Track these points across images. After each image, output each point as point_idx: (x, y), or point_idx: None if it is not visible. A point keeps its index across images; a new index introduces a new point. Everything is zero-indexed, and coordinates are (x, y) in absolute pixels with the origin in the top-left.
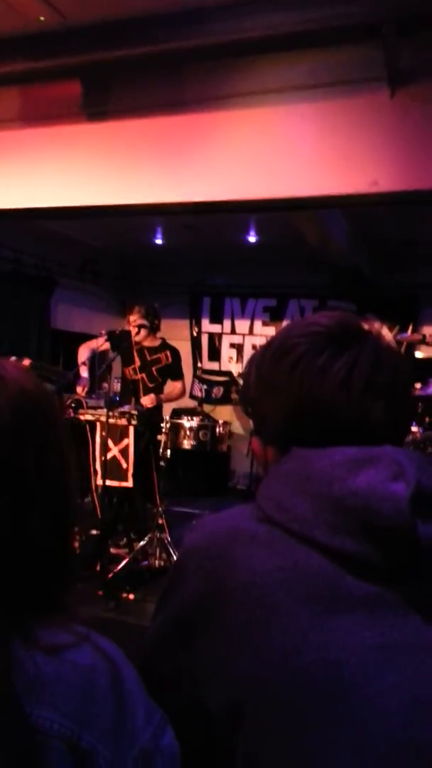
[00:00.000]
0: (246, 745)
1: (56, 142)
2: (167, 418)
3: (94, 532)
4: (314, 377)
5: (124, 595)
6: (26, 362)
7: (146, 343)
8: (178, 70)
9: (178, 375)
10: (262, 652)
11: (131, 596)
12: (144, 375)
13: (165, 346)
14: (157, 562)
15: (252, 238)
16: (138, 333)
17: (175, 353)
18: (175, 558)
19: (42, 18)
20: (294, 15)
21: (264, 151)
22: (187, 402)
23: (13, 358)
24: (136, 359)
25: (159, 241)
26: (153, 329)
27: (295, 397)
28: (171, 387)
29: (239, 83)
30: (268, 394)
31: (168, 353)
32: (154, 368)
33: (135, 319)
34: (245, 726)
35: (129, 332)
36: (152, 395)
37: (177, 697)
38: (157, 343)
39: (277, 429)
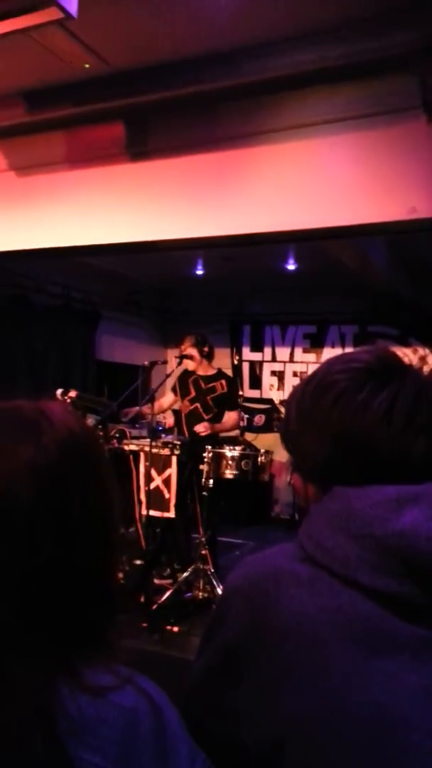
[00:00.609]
0: None
1: (102, 182)
2: (209, 447)
3: (138, 562)
4: (355, 413)
5: (168, 627)
6: (73, 393)
7: (200, 372)
8: (214, 108)
9: (234, 405)
10: (306, 693)
11: (175, 629)
12: (198, 404)
13: (221, 375)
14: (200, 594)
15: (291, 266)
16: (180, 363)
17: (231, 382)
18: (218, 590)
19: (87, 65)
20: (325, 50)
21: (302, 183)
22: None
23: (60, 390)
24: (191, 389)
25: (199, 272)
26: (207, 357)
27: (335, 433)
28: (227, 417)
29: (274, 119)
30: (308, 430)
31: (224, 382)
32: (209, 397)
33: (185, 347)
34: (286, 765)
35: (155, 362)
36: (205, 423)
37: (217, 734)
38: (212, 371)
39: (318, 466)
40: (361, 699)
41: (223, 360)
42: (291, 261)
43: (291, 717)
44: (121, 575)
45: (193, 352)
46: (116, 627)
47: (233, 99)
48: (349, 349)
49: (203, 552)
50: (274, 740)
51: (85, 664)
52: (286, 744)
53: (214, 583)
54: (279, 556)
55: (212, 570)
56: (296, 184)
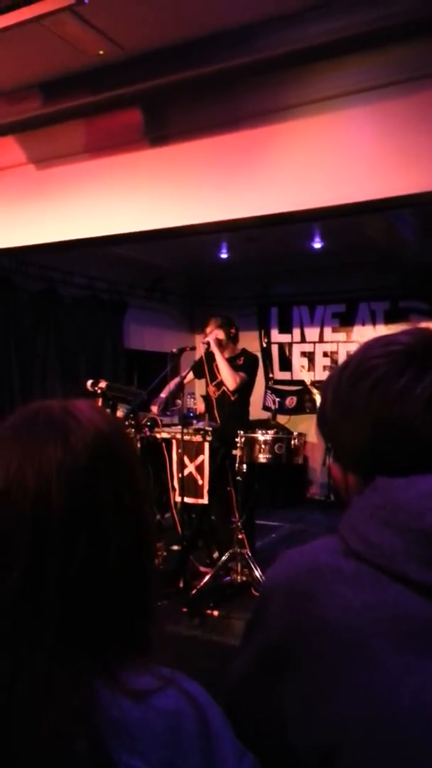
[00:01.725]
0: None
1: (122, 170)
2: (241, 432)
3: (175, 547)
4: (394, 401)
5: (208, 611)
6: (102, 383)
7: (226, 355)
8: (232, 87)
9: (241, 369)
10: (355, 694)
11: (215, 613)
12: (225, 388)
13: (241, 353)
14: (239, 577)
15: (317, 245)
16: (207, 350)
17: (249, 357)
18: (256, 572)
19: (101, 52)
20: (342, 20)
21: (325, 159)
22: (260, 414)
23: (90, 381)
24: (217, 374)
25: (224, 255)
26: (233, 339)
27: (375, 421)
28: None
29: (294, 94)
30: (346, 418)
31: (242, 358)
32: None
33: (211, 330)
34: None
35: (183, 349)
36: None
37: (263, 736)
38: (236, 352)
39: (357, 455)
40: (413, 699)
41: (251, 343)
42: (317, 239)
43: (342, 721)
44: (159, 561)
45: (220, 334)
46: (156, 626)
47: (250, 76)
48: (380, 327)
49: (240, 536)
50: (325, 744)
51: (126, 666)
52: (338, 749)
53: (252, 566)
54: (321, 550)
55: (249, 554)
56: (320, 160)
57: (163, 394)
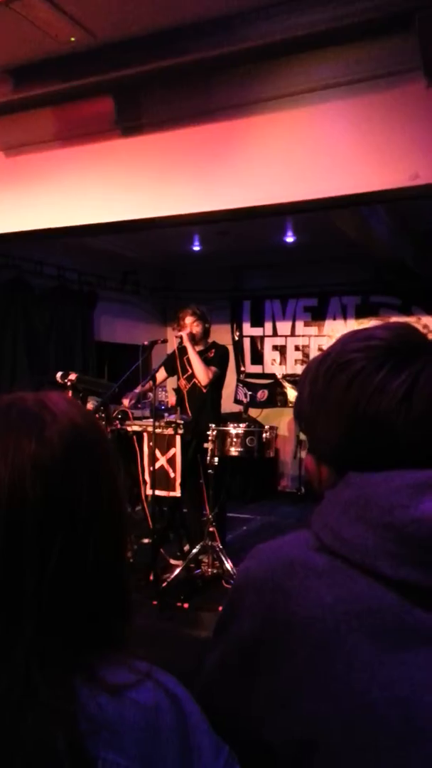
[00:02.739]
0: None
1: (93, 159)
2: (213, 426)
3: (146, 541)
4: (371, 395)
5: (179, 604)
6: (73, 376)
7: (197, 348)
8: (207, 78)
9: (211, 363)
10: (330, 688)
11: (185, 605)
12: (197, 382)
13: (212, 346)
14: (209, 570)
15: (289, 239)
16: (180, 344)
17: (220, 350)
18: (227, 565)
19: (73, 38)
20: (320, 13)
21: (299, 153)
22: (232, 407)
23: (60, 373)
24: (188, 367)
25: (197, 248)
26: (206, 333)
27: (351, 416)
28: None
29: (269, 86)
30: (322, 412)
31: (213, 351)
32: None
33: (189, 323)
34: (316, 764)
35: (155, 341)
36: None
37: (237, 731)
38: (207, 345)
39: (332, 449)
40: (388, 695)
41: (224, 336)
42: (289, 233)
43: (318, 716)
44: (129, 554)
45: (198, 329)
46: (131, 621)
47: (226, 68)
48: (351, 321)
49: (211, 529)
50: (301, 739)
51: (103, 662)
52: (314, 743)
53: (223, 558)
54: (293, 545)
55: (220, 546)
56: (294, 154)
57: (137, 390)
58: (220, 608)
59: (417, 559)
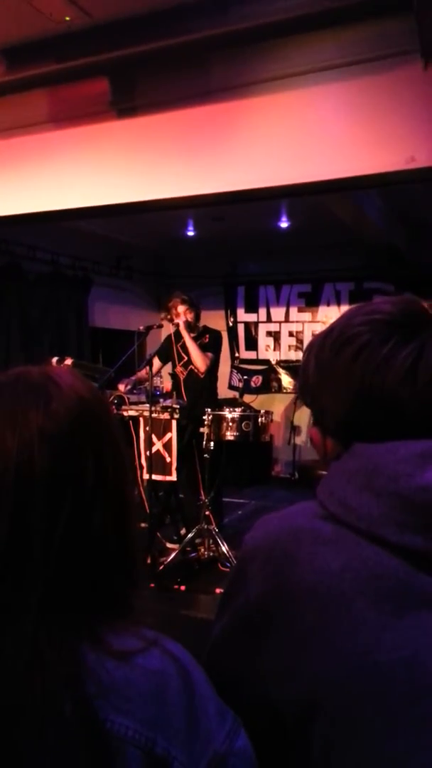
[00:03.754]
0: (321, 745)
1: (88, 141)
2: (209, 410)
3: (143, 525)
4: (377, 368)
5: (176, 586)
6: (68, 361)
7: (191, 334)
8: (203, 59)
9: (206, 349)
10: (335, 651)
11: (182, 588)
12: (193, 367)
13: (205, 330)
14: (205, 553)
15: (284, 224)
16: (176, 331)
17: (214, 334)
18: (223, 548)
19: (68, 18)
20: None
21: (295, 135)
22: (226, 393)
23: (56, 358)
24: (183, 354)
25: (191, 233)
26: (197, 319)
27: (357, 388)
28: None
29: (265, 68)
30: (328, 385)
31: (207, 336)
32: None
33: (182, 311)
34: (320, 725)
35: (151, 327)
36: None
37: (244, 695)
38: (199, 330)
39: (338, 421)
40: (393, 655)
41: (218, 322)
42: (284, 218)
43: (322, 675)
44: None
45: (191, 315)
46: (138, 589)
47: (222, 48)
48: (345, 307)
49: (207, 513)
50: (306, 699)
51: (110, 629)
52: (318, 703)
53: (219, 542)
54: (299, 514)
55: (216, 530)
56: (289, 137)
57: (133, 377)
58: (217, 590)
59: (420, 526)
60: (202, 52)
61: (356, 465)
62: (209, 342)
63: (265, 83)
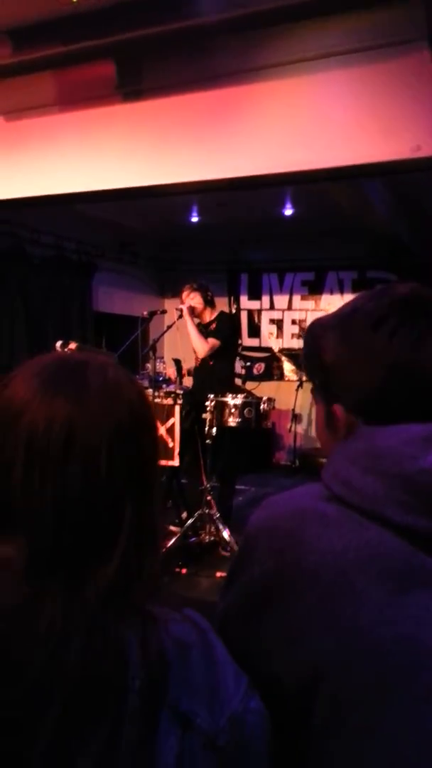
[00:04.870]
0: (322, 717)
1: (94, 124)
2: (211, 396)
3: None
4: (412, 346)
5: (177, 569)
6: (73, 346)
7: (204, 321)
8: (211, 43)
9: (213, 334)
10: (337, 626)
11: (183, 570)
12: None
13: (218, 316)
14: (206, 537)
15: (288, 211)
16: (180, 317)
17: (222, 320)
18: (224, 533)
19: (74, 0)
20: None
21: (300, 122)
22: None
23: (60, 342)
24: None
25: (195, 219)
26: (210, 304)
27: (389, 365)
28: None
29: (273, 53)
30: (356, 362)
31: (216, 322)
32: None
33: (187, 297)
34: (322, 698)
35: (154, 312)
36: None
37: (248, 670)
38: (213, 316)
39: (366, 398)
40: (394, 632)
41: (220, 309)
42: (288, 206)
43: (325, 650)
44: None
45: (198, 301)
46: (161, 565)
47: (229, 33)
48: (348, 296)
49: (208, 498)
50: (308, 673)
51: (144, 599)
52: (321, 676)
53: (220, 526)
54: (304, 495)
55: (217, 515)
56: (295, 124)
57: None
58: (218, 574)
59: (424, 507)
60: (209, 37)
61: (360, 447)
62: (216, 328)
63: (271, 69)
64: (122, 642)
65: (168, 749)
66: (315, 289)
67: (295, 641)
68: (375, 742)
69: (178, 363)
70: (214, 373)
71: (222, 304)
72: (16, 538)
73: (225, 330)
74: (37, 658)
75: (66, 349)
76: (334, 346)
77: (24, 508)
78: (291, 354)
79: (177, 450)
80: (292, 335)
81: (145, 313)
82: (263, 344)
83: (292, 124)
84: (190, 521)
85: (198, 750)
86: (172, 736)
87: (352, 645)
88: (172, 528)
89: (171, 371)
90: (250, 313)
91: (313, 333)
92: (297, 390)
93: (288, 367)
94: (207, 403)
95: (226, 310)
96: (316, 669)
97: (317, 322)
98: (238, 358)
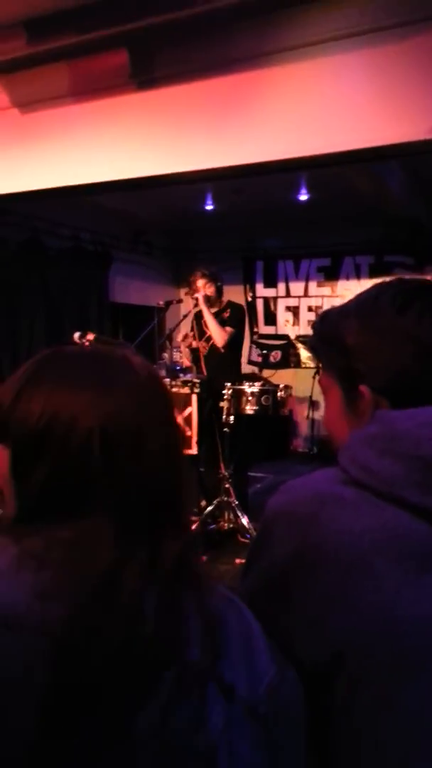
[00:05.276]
0: (343, 696)
1: (108, 114)
2: (228, 384)
3: None
4: None
5: None
6: (90, 336)
7: (213, 309)
8: (224, 28)
9: (228, 322)
10: (357, 607)
11: (203, 558)
12: (213, 342)
13: (227, 305)
14: (225, 525)
15: (303, 197)
16: (196, 306)
17: (235, 309)
18: (243, 520)
19: None
20: None
21: (315, 106)
22: (245, 368)
23: (78, 333)
24: (205, 330)
25: (209, 207)
26: (219, 293)
27: (419, 345)
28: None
29: (286, 37)
30: (384, 343)
31: (229, 310)
32: None
33: (202, 285)
34: (342, 677)
35: (170, 302)
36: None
37: None
38: (222, 305)
39: (391, 376)
40: (413, 613)
41: (236, 297)
42: (303, 191)
43: (346, 630)
44: None
45: (210, 290)
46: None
47: (243, 17)
48: (365, 281)
49: (226, 485)
50: (328, 656)
51: (202, 572)
52: (342, 656)
53: (238, 514)
54: (321, 480)
55: (236, 502)
56: (310, 107)
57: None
58: (237, 561)
59: None
60: (221, 22)
61: (378, 430)
62: (230, 316)
63: (284, 53)
64: (186, 612)
65: (216, 718)
66: (331, 275)
67: (315, 623)
68: (394, 716)
69: (194, 352)
70: (227, 362)
71: (238, 292)
72: (100, 514)
73: (238, 319)
74: (118, 623)
75: (84, 340)
76: (357, 330)
77: (107, 488)
78: (308, 341)
79: (195, 438)
80: (309, 322)
81: (161, 302)
82: (279, 332)
83: (306, 108)
84: (209, 509)
85: (241, 719)
86: (218, 706)
87: (371, 625)
88: (192, 517)
89: (187, 361)
90: (266, 300)
91: (330, 319)
92: (314, 377)
93: (305, 354)
94: (224, 392)
95: (242, 297)
96: (336, 649)
97: (331, 310)
98: (254, 346)
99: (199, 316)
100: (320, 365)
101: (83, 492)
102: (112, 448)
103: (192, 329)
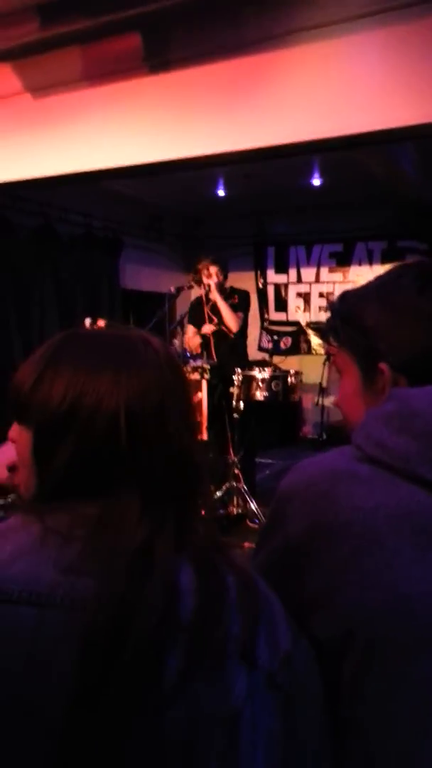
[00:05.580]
0: (353, 669)
1: (121, 98)
2: (239, 370)
3: None
4: None
5: None
6: (101, 322)
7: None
8: (237, 10)
9: (236, 309)
10: (368, 581)
11: None
12: (223, 326)
13: (233, 291)
14: (234, 510)
15: (316, 181)
16: (209, 291)
17: (242, 295)
18: (252, 505)
19: None
20: None
21: (329, 88)
22: (256, 355)
23: (89, 319)
24: (212, 316)
25: (221, 193)
26: (226, 279)
27: None
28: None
29: (300, 18)
30: (405, 323)
31: (236, 296)
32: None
33: (212, 275)
34: (353, 651)
35: (181, 288)
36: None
37: None
38: (227, 291)
39: (412, 355)
40: (421, 587)
41: (248, 283)
42: (316, 175)
43: (357, 604)
44: None
45: (221, 279)
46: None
47: (254, 0)
48: (377, 267)
49: (236, 471)
50: (341, 631)
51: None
52: (353, 630)
53: (247, 499)
54: (335, 457)
55: (245, 487)
56: (324, 89)
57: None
58: (246, 545)
59: None
60: (234, 4)
61: (393, 408)
62: (239, 302)
63: (297, 34)
64: (225, 580)
65: (239, 687)
66: (343, 260)
67: (328, 597)
68: (405, 688)
69: (205, 338)
70: (235, 348)
71: (249, 279)
72: (125, 491)
73: (246, 304)
74: (156, 596)
75: (95, 326)
76: (379, 309)
77: (132, 466)
78: (318, 328)
79: (205, 424)
80: (320, 308)
81: (172, 289)
82: (290, 318)
83: (320, 90)
84: (218, 494)
85: (262, 688)
86: (242, 674)
87: (383, 600)
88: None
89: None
90: (277, 286)
91: (350, 299)
92: (324, 363)
93: (315, 340)
94: (234, 377)
95: (253, 284)
96: (350, 623)
97: (350, 291)
98: (264, 332)
99: (198, 305)
100: (336, 346)
101: (107, 471)
102: (138, 427)
103: (193, 321)
